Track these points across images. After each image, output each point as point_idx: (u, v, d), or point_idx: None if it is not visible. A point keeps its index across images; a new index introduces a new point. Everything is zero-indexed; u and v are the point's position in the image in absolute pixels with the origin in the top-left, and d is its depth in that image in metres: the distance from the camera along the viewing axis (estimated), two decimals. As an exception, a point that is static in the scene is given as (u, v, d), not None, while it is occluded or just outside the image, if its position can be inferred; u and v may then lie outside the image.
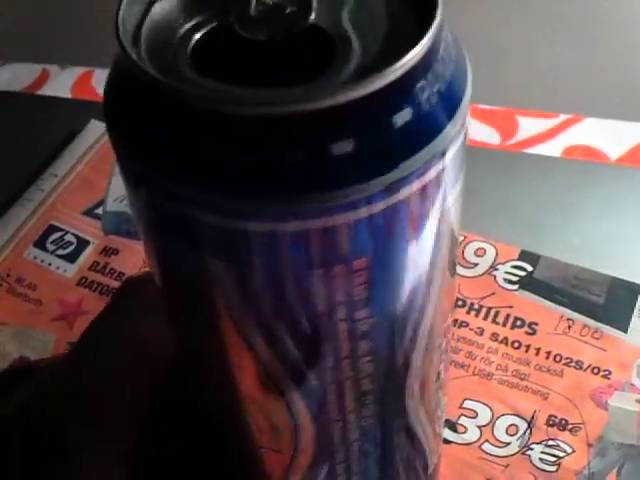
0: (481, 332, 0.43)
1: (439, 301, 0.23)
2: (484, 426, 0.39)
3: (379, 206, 0.18)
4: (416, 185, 0.19)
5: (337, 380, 0.22)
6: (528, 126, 0.56)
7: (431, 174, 0.19)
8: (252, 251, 0.19)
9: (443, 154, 0.19)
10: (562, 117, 0.56)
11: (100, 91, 0.60)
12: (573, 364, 0.41)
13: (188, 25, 0.20)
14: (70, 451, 0.24)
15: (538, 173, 0.52)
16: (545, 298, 0.44)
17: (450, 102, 0.19)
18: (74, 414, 0.25)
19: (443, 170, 0.19)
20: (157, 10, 0.21)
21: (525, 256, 0.46)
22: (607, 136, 0.54)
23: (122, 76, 0.20)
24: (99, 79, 0.61)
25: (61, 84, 0.61)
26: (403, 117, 0.18)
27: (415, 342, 0.23)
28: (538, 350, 0.42)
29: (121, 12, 0.20)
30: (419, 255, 0.21)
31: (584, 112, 0.57)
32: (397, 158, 0.18)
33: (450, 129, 0.19)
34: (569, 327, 0.43)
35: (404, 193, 0.18)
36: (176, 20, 0.21)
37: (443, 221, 0.21)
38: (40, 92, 0.61)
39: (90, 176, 0.52)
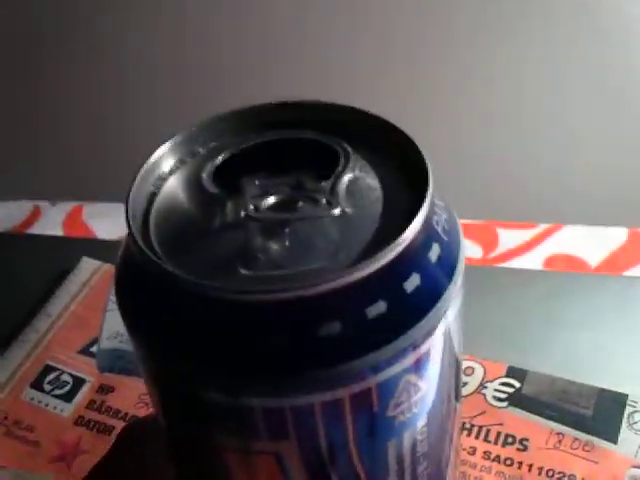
0: (473, 451, 0.43)
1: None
2: None
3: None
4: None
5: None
6: (508, 238, 0.57)
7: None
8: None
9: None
10: (541, 227, 0.57)
11: (90, 225, 0.62)
12: (566, 479, 0.42)
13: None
14: None
15: (520, 287, 0.53)
16: (534, 413, 0.44)
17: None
18: None
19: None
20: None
21: (512, 372, 0.47)
22: (586, 243, 0.56)
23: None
24: (89, 214, 0.62)
25: (52, 221, 0.62)
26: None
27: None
28: (530, 466, 0.42)
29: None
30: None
31: (562, 219, 0.58)
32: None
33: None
34: (560, 441, 0.43)
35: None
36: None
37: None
38: (32, 229, 0.62)
39: (84, 314, 0.52)
